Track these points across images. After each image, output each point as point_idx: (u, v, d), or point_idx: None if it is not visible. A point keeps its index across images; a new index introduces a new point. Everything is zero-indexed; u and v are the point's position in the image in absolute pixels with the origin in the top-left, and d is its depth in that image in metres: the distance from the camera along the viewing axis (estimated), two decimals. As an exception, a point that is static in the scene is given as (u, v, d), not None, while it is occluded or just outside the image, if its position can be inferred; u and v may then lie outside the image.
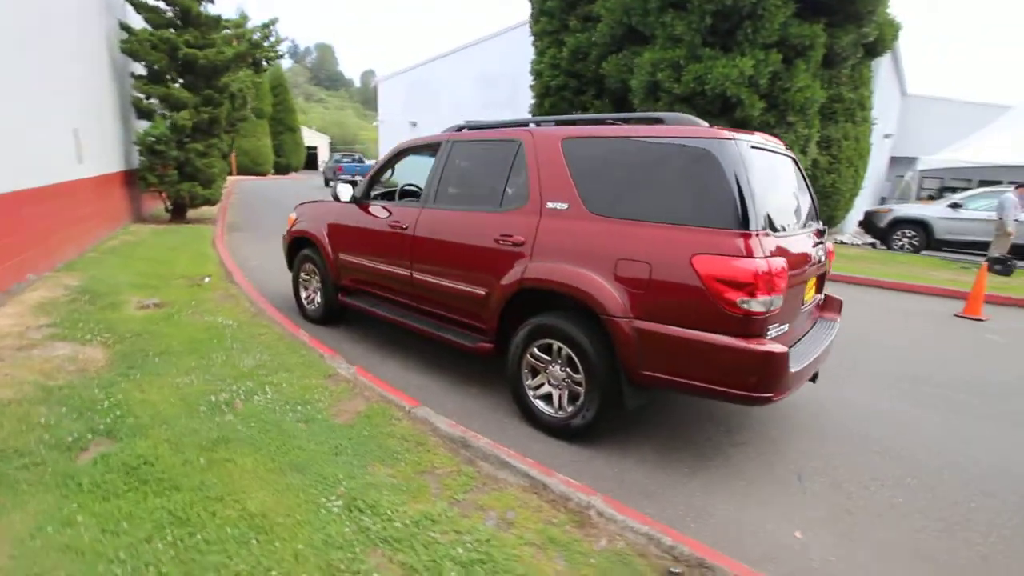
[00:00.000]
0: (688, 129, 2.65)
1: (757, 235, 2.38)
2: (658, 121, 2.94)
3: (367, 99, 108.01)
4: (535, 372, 3.13)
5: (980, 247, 9.50)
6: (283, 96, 34.23)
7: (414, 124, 26.04)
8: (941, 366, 4.60)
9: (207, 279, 6.12)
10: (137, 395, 3.04)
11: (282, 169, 34.21)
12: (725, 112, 8.84)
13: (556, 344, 2.95)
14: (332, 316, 4.79)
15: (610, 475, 2.71)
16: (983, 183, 16.92)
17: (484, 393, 3.61)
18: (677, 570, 1.94)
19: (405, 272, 3.81)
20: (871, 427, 3.36)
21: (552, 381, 3.04)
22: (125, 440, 2.53)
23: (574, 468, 2.72)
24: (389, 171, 4.42)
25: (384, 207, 4.16)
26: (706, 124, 2.70)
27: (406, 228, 3.78)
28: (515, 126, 3.61)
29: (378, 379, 3.52)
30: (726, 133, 2.53)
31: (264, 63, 11.77)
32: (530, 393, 3.13)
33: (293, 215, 5.13)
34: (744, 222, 2.38)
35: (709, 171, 2.49)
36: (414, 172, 4.46)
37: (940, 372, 4.43)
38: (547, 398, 3.08)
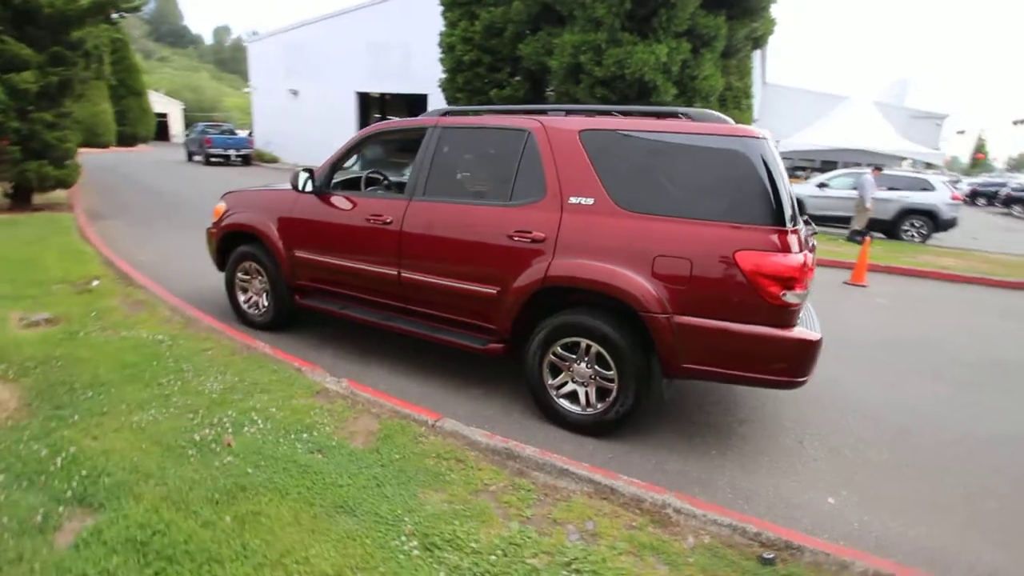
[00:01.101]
0: (719, 126, 2.69)
1: (792, 231, 2.51)
2: (673, 115, 2.96)
3: (222, 59, 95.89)
4: (556, 371, 3.06)
5: (843, 221, 11.14)
6: (123, 53, 29.10)
7: (295, 92, 23.78)
8: (852, 329, 5.34)
9: (96, 282, 5.07)
10: (92, 444, 2.43)
11: (127, 140, 29.32)
12: (642, 96, 9.24)
13: (584, 342, 2.89)
14: (282, 321, 4.24)
15: (651, 467, 2.76)
16: (825, 164, 19.84)
17: (489, 395, 3.46)
18: (770, 556, 2.04)
19: (391, 271, 3.47)
20: (822, 392, 3.76)
21: (577, 379, 2.99)
22: (110, 507, 2.01)
23: (615, 464, 2.73)
24: (353, 157, 3.95)
25: (352, 198, 3.72)
26: (731, 120, 2.76)
27: (390, 223, 3.42)
28: (506, 113, 3.42)
29: (378, 391, 3.20)
30: (757, 131, 2.62)
31: (120, 15, 9.84)
32: (553, 393, 3.06)
33: (221, 205, 4.40)
34: (780, 218, 2.50)
35: (744, 169, 2.56)
36: (374, 159, 4.05)
37: (852, 335, 5.14)
38: (571, 396, 3.03)
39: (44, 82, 7.35)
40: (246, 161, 22.65)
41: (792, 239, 2.49)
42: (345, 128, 22.60)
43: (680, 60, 9.03)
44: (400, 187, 3.85)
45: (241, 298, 4.37)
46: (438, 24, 12.10)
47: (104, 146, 25.22)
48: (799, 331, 2.54)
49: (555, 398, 3.05)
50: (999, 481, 2.83)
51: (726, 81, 11.64)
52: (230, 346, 3.72)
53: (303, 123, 23.39)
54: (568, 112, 3.15)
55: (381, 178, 4.31)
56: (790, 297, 2.48)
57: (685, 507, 2.25)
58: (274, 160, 24.68)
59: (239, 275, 4.33)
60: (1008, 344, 5.30)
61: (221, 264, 4.47)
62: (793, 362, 2.55)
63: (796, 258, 2.47)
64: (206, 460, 2.39)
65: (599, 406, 2.94)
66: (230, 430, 2.65)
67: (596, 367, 2.91)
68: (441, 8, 11.89)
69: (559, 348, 3.00)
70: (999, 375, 4.38)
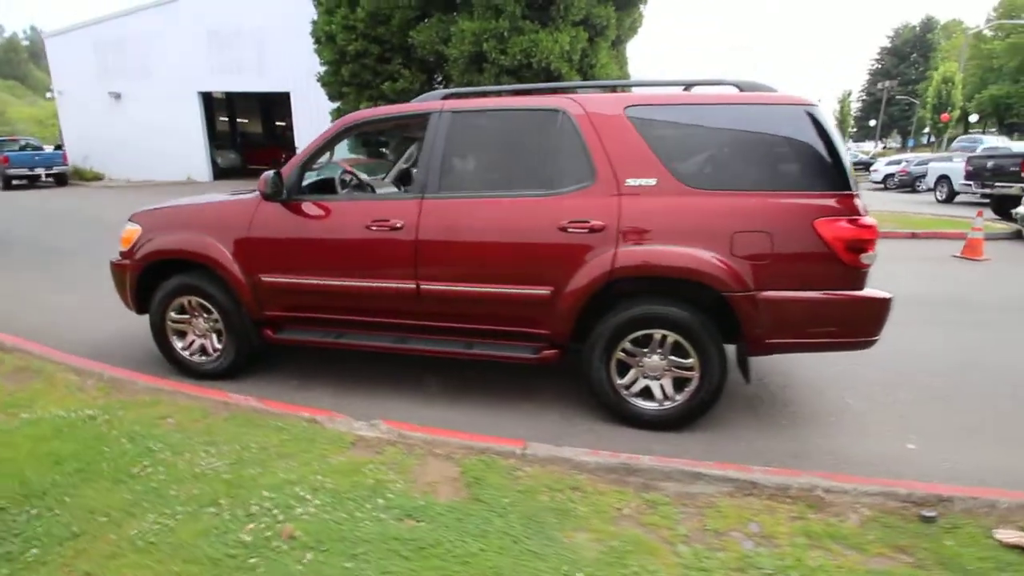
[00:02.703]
0: (775, 95, 2.65)
1: (858, 195, 2.56)
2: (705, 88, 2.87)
3: (-6, 63, 78.09)
4: (623, 368, 2.83)
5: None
6: None
7: (117, 96, 20.15)
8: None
9: (-71, 353, 3.67)
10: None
11: None
12: (548, 84, 9.26)
13: (659, 333, 2.69)
14: (242, 364, 3.42)
15: (744, 449, 2.67)
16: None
17: (541, 407, 3.11)
18: (930, 513, 2.04)
19: (406, 285, 2.93)
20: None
21: (650, 373, 2.79)
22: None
23: (711, 454, 2.59)
24: (327, 155, 3.27)
25: (338, 203, 3.09)
26: (777, 90, 2.74)
27: (401, 228, 2.88)
28: (520, 93, 3.07)
29: (426, 427, 2.69)
30: (811, 98, 2.61)
31: None
32: (624, 393, 2.82)
33: (132, 228, 3.41)
34: (847, 183, 2.53)
35: (809, 136, 2.54)
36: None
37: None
38: (644, 393, 2.82)
39: None
40: (61, 181, 18.68)
41: (860, 202, 2.54)
42: (189, 132, 19.72)
43: (580, 48, 9.20)
44: (369, 186, 3.28)
45: (178, 344, 3.44)
46: (298, 11, 10.97)
47: None
48: (871, 291, 2.61)
49: (627, 398, 2.82)
50: None
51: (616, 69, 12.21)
52: (197, 407, 2.87)
53: (132, 131, 19.94)
54: (602, 88, 2.89)
55: (350, 178, 3.65)
56: (866, 259, 2.52)
57: (834, 485, 2.18)
58: (98, 177, 20.73)
59: (172, 316, 3.39)
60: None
61: (141, 306, 3.46)
62: (870, 322, 2.62)
63: (869, 220, 2.52)
64: (279, 567, 1.75)
65: (679, 398, 2.77)
66: (280, 517, 2.00)
67: (673, 357, 2.73)
68: (312, -6, 10.77)
69: (628, 344, 2.76)
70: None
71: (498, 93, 3.09)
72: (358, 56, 10.33)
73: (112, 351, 3.87)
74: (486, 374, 3.45)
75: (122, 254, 3.43)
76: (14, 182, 17.43)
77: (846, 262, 2.50)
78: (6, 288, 5.65)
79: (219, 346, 3.38)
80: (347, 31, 10.16)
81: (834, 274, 2.53)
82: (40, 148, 19.14)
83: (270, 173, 2.93)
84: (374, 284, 2.98)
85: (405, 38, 10.02)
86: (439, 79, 11.08)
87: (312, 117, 17.34)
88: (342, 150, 4.29)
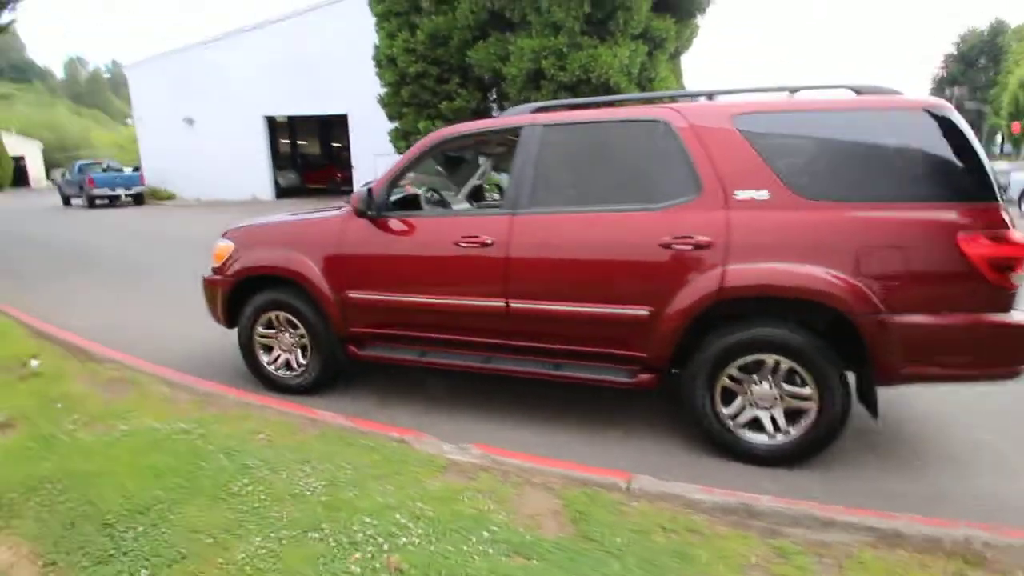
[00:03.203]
0: (902, 99, 2.43)
1: (1004, 206, 2.29)
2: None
3: (79, 93, 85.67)
4: (728, 396, 2.62)
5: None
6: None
7: (190, 121, 21.45)
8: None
9: (35, 362, 3.87)
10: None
11: (-24, 189, 24.85)
12: (607, 100, 9.16)
13: (772, 359, 2.48)
14: (327, 380, 3.42)
15: (871, 492, 2.40)
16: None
17: (631, 434, 2.94)
18: None
19: (495, 303, 2.85)
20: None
21: (760, 402, 2.57)
22: None
23: (833, 495, 2.33)
24: (412, 173, 3.27)
25: (426, 219, 3.07)
26: (902, 92, 2.52)
27: (491, 244, 2.81)
28: (603, 105, 2.97)
29: (518, 453, 2.57)
30: (943, 101, 2.38)
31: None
32: (730, 423, 2.61)
33: (224, 245, 3.49)
34: (991, 193, 2.27)
35: (944, 141, 2.31)
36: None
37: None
38: (753, 424, 2.60)
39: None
40: (138, 200, 19.99)
41: (1006, 215, 2.27)
42: (254, 154, 20.76)
43: (639, 62, 9.07)
44: (444, 203, 3.24)
45: (265, 359, 3.48)
46: (358, 38, 11.36)
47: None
48: (1020, 315, 2.32)
49: (733, 429, 2.61)
50: None
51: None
52: (286, 423, 2.86)
53: (203, 154, 21.14)
54: (709, 96, 2.75)
55: (435, 195, 3.64)
56: (1016, 279, 2.25)
57: (995, 539, 1.90)
58: (171, 197, 22.09)
59: (260, 331, 3.44)
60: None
61: (231, 320, 3.54)
62: (1018, 350, 2.32)
63: (1018, 235, 2.24)
64: (392, 603, 1.66)
65: (792, 431, 2.54)
66: (385, 547, 1.91)
67: (785, 386, 2.51)
68: (374, 20, 11.14)
69: (735, 370, 2.56)
70: None
71: (589, 105, 2.99)
72: (417, 77, 10.57)
73: (198, 364, 3.97)
74: (572, 397, 3.30)
75: (214, 270, 3.53)
76: (97, 201, 18.79)
77: (992, 282, 2.23)
78: (97, 301, 5.98)
79: (303, 361, 3.39)
80: (407, 53, 10.43)
81: (978, 295, 2.26)
82: (120, 170, 20.58)
83: (363, 190, 2.94)
84: (462, 301, 2.92)
85: (463, 58, 10.19)
86: (494, 98, 11.19)
87: (368, 138, 17.87)
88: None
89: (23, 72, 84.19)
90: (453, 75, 10.53)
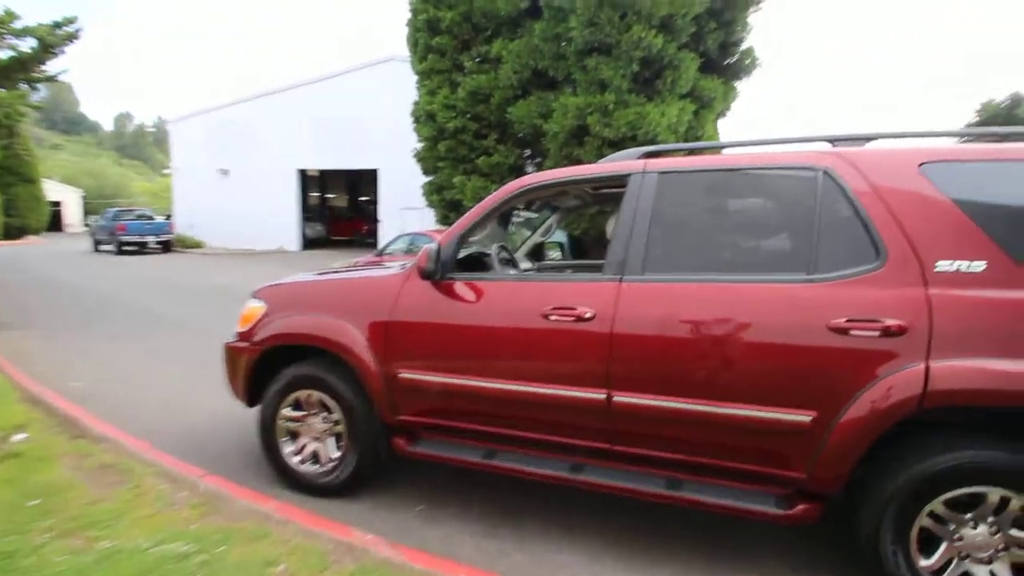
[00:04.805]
0: None
1: None
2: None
3: (123, 146, 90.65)
4: (929, 541, 1.87)
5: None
6: (15, 138, 25.80)
7: (225, 172, 21.92)
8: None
9: (21, 436, 3.27)
10: None
11: (14, 233, 25.37)
12: (654, 157, 8.80)
13: (995, 494, 1.76)
14: (363, 480, 2.73)
15: None
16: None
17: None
18: None
19: (593, 394, 2.19)
20: None
21: (977, 554, 1.82)
22: None
23: None
24: (485, 228, 2.72)
25: (497, 284, 2.47)
26: None
27: (590, 317, 2.18)
28: (714, 148, 2.42)
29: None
30: None
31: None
32: (930, 579, 1.84)
33: (256, 306, 2.92)
34: None
35: None
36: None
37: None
38: (966, 583, 1.83)
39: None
40: (166, 248, 20.08)
41: None
42: (285, 206, 20.96)
43: (687, 121, 8.76)
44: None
45: (287, 448, 2.81)
46: (390, 97, 11.44)
47: (-16, 240, 21.52)
48: None
49: (944, 588, 1.84)
50: None
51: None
52: (314, 549, 2.16)
53: (234, 204, 21.47)
54: (863, 140, 2.17)
55: (507, 254, 3.07)
56: None
57: None
58: (198, 245, 22.24)
59: (285, 412, 2.80)
60: None
61: (252, 397, 2.92)
62: None
63: None
64: None
65: (1031, 600, 1.76)
66: None
67: (1014, 532, 1.77)
68: (416, 78, 11.19)
69: (939, 506, 1.83)
70: None
71: (707, 149, 2.46)
72: (456, 132, 10.43)
73: (207, 441, 3.35)
74: (669, 520, 2.55)
75: (240, 335, 2.94)
76: (125, 248, 18.87)
77: None
78: (105, 355, 5.44)
79: (336, 454, 2.72)
80: (447, 109, 10.34)
81: None
82: (152, 218, 20.82)
83: (433, 246, 2.37)
84: (547, 390, 2.26)
85: (503, 115, 10.04)
86: (528, 153, 11.00)
87: (396, 192, 17.98)
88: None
89: (75, 124, 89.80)
90: (492, 131, 10.36)
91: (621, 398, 2.15)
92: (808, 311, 1.94)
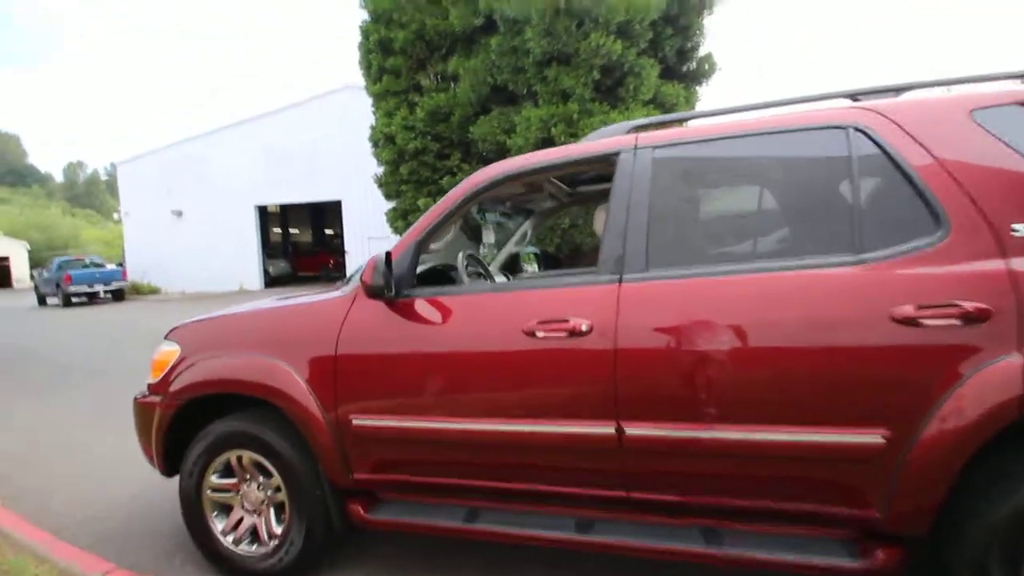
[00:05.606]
0: None
1: None
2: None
3: (76, 195, 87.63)
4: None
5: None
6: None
7: (179, 213, 20.97)
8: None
9: None
10: None
11: (-49, 292, 23.68)
12: (623, 165, 8.55)
13: None
14: (316, 559, 2.17)
15: None
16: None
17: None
18: None
19: (598, 428, 1.71)
20: None
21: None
22: None
23: None
24: (448, 232, 2.24)
25: (465, 298, 2.00)
26: None
27: (587, 331, 1.72)
28: (715, 113, 2.04)
29: None
30: None
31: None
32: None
33: (169, 350, 2.36)
34: None
35: None
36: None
37: None
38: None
39: None
40: (118, 297, 18.90)
41: None
42: (244, 244, 20.07)
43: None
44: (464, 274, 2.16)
45: (218, 526, 2.24)
46: (350, 123, 11.01)
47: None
48: None
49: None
50: None
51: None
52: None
53: (190, 246, 20.49)
54: (884, 92, 1.79)
55: (476, 268, 2.59)
56: None
57: None
58: (154, 291, 21.11)
59: (213, 481, 2.23)
60: None
61: (169, 463, 2.33)
62: None
63: None
64: None
65: None
66: None
67: None
68: (371, 100, 10.79)
69: (1061, 545, 1.41)
70: None
71: (706, 113, 2.07)
72: (417, 154, 10.00)
73: (124, 520, 2.71)
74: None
75: (151, 387, 2.37)
76: (73, 299, 17.64)
77: None
78: (23, 416, 4.69)
79: (278, 529, 2.16)
80: (406, 131, 9.92)
81: None
82: (102, 266, 19.62)
83: (380, 256, 1.88)
84: (540, 428, 1.77)
85: (464, 133, 9.69)
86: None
87: (361, 222, 17.43)
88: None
89: (23, 177, 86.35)
90: (454, 150, 9.98)
91: (634, 430, 1.69)
92: (864, 301, 1.52)
